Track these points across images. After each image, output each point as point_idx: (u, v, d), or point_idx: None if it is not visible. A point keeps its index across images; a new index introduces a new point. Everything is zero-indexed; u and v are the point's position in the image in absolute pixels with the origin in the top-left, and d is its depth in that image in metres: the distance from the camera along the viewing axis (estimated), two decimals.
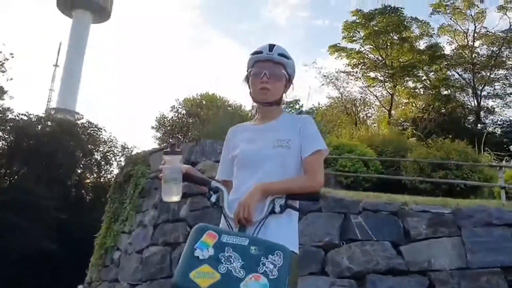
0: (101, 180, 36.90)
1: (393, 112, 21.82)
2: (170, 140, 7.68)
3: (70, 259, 28.66)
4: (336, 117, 27.06)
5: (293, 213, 2.16)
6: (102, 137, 36.96)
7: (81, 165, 35.88)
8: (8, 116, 32.17)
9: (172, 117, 11.56)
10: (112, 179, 36.35)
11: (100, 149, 37.36)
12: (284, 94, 2.35)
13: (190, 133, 9.50)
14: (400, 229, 6.17)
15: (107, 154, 37.30)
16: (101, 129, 35.56)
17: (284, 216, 2.07)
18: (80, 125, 34.80)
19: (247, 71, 2.35)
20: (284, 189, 2.08)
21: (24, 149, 30.94)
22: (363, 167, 8.17)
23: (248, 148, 2.26)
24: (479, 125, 23.80)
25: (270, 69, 2.26)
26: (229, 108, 11.47)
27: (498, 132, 24.27)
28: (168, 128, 11.24)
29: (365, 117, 27.56)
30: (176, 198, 2.13)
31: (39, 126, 33.73)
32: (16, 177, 28.53)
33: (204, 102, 11.66)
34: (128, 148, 38.63)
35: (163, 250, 7.34)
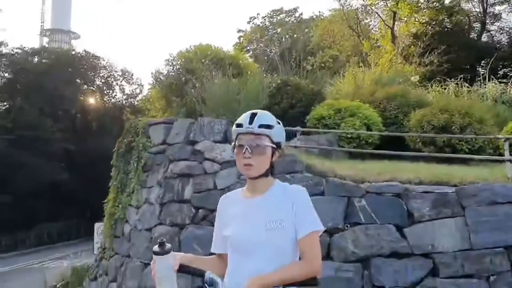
0: (105, 105, 36.93)
1: (396, 30, 21.12)
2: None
3: (82, 186, 29.47)
4: (338, 30, 26.45)
5: None
6: (101, 63, 36.48)
7: (83, 93, 35.80)
8: (2, 50, 31.49)
9: (168, 72, 11.31)
10: (116, 103, 36.28)
11: (101, 75, 37.05)
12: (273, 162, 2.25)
13: (186, 97, 9.31)
14: (403, 211, 6.18)
15: (108, 79, 37.04)
16: (98, 57, 34.99)
17: None
18: (77, 55, 34.19)
19: (232, 143, 2.27)
20: (281, 280, 2.05)
21: (23, 85, 30.71)
22: (366, 130, 8.06)
23: (240, 232, 2.19)
24: (484, 34, 23.14)
25: (251, 142, 2.17)
26: (223, 58, 11.13)
27: (505, 40, 23.66)
28: (165, 84, 11.02)
29: (367, 28, 26.91)
30: None
31: (35, 59, 33.15)
32: (18, 113, 28.49)
33: (198, 53, 11.33)
34: (128, 72, 38.29)
35: (171, 231, 7.43)
